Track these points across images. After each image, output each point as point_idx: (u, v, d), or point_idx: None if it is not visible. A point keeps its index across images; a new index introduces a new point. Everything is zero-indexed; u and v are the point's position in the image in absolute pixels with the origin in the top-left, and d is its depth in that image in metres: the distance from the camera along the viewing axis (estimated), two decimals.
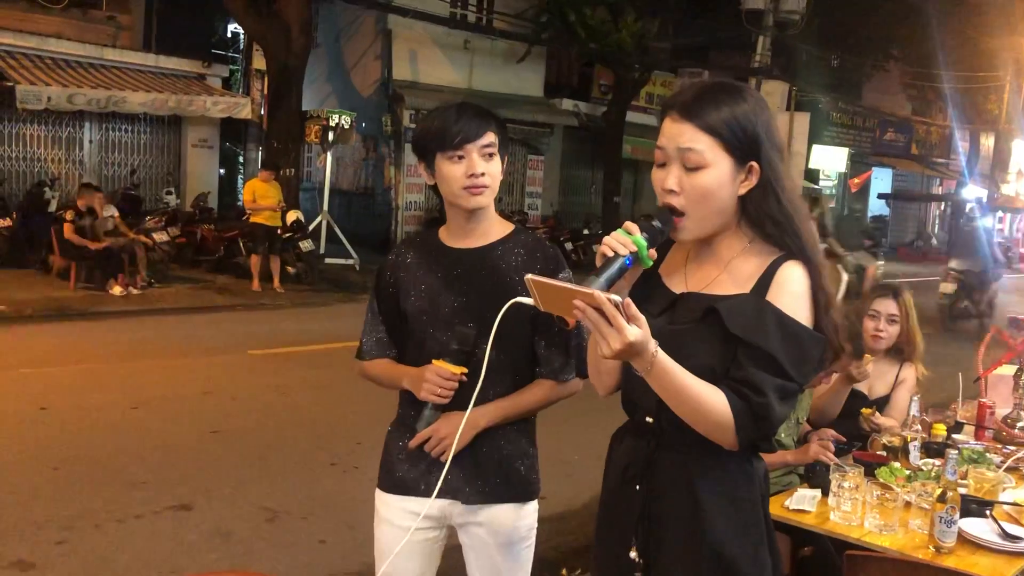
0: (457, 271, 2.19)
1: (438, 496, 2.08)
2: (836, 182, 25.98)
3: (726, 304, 1.63)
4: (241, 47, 18.19)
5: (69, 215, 10.95)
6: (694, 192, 1.62)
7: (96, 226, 11.08)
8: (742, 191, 1.65)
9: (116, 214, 11.89)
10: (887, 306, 3.62)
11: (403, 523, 2.22)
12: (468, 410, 1.95)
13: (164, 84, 14.38)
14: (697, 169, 1.62)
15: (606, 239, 1.54)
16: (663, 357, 1.52)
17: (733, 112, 1.62)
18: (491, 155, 2.14)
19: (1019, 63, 24.43)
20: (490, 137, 2.13)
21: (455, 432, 2.07)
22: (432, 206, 17.50)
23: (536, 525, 2.30)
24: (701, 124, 1.61)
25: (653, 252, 1.57)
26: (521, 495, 2.23)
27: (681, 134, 1.63)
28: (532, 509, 2.27)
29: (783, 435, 3.26)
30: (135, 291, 10.93)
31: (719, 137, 1.61)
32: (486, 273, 2.16)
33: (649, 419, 1.72)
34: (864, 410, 3.47)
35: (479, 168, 2.11)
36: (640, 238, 1.54)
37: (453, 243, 2.22)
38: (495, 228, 2.23)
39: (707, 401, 1.56)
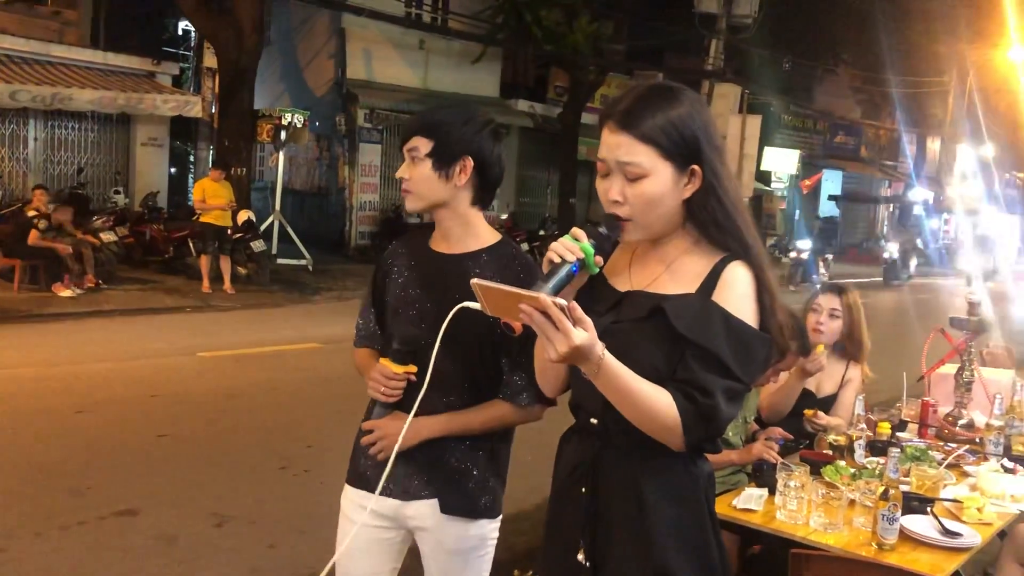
0: (432, 275, 2.18)
1: (389, 496, 2.10)
2: (787, 184, 26.41)
3: (673, 304, 1.64)
4: (192, 44, 17.93)
5: (43, 224, 10.66)
6: (638, 201, 1.63)
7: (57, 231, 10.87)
8: (686, 194, 1.65)
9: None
10: (830, 301, 3.68)
11: (356, 516, 2.22)
12: (410, 415, 1.94)
13: (112, 82, 14.11)
14: (638, 179, 1.62)
15: (553, 245, 1.54)
16: (610, 359, 1.52)
17: (669, 118, 1.62)
18: (415, 159, 2.13)
19: (963, 69, 25.03)
20: (415, 142, 2.12)
21: (396, 434, 2.06)
22: (387, 207, 17.42)
23: (492, 536, 2.24)
24: (638, 134, 1.61)
25: (600, 259, 1.57)
26: (466, 512, 2.17)
27: (619, 146, 1.63)
28: (482, 524, 2.20)
29: (731, 434, 3.29)
30: (81, 292, 10.70)
31: (657, 146, 1.61)
32: (456, 281, 2.12)
33: (594, 420, 1.72)
34: (807, 411, 3.51)
35: (401, 171, 2.15)
36: (587, 245, 1.54)
37: (436, 247, 2.22)
38: (480, 237, 2.20)
39: (654, 403, 1.56)
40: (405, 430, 1.97)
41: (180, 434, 5.88)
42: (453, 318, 1.70)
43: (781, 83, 23.41)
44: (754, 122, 18.00)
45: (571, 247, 1.53)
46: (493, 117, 2.26)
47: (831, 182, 29.58)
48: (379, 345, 2.28)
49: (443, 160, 2.12)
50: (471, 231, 2.19)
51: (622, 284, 1.75)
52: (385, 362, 2.11)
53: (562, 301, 1.44)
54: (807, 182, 26.33)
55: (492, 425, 2.18)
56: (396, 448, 2.00)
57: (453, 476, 2.16)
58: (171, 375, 7.52)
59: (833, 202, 30.22)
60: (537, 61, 20.04)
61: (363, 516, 2.13)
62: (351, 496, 2.29)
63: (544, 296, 1.43)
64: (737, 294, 1.63)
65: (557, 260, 1.52)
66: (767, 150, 22.57)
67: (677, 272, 1.69)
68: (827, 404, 3.72)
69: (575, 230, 1.56)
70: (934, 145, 30.68)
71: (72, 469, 5.07)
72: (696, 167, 1.64)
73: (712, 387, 1.57)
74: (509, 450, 2.28)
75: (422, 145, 2.12)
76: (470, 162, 2.13)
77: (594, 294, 1.71)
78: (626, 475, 1.68)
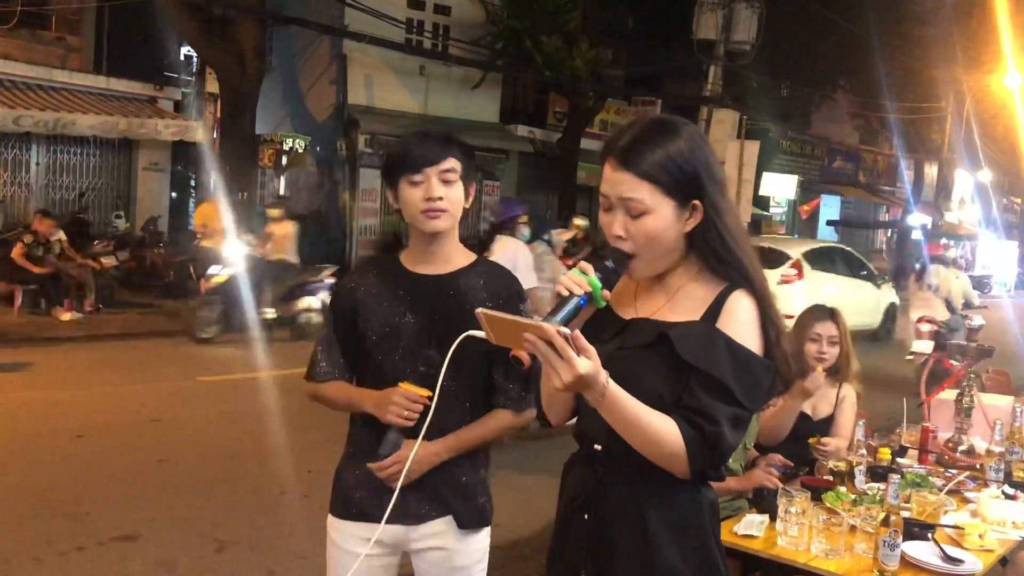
0: (418, 296, 2.20)
1: (391, 522, 2.08)
2: (786, 209, 26.51)
3: (677, 331, 1.65)
4: (194, 70, 18.04)
5: (28, 238, 10.76)
6: (640, 236, 1.65)
7: (46, 251, 10.91)
8: (688, 229, 1.67)
9: (64, 238, 11.67)
10: (827, 328, 3.70)
11: (355, 549, 2.20)
12: (419, 439, 1.97)
13: (115, 107, 14.18)
14: (641, 215, 1.64)
15: (561, 278, 1.56)
16: (614, 388, 1.53)
17: (669, 154, 1.63)
18: (450, 181, 2.16)
19: (960, 95, 25.17)
20: (451, 163, 2.16)
21: (416, 461, 2.09)
22: (387, 231, 17.46)
23: (488, 548, 2.30)
24: (639, 172, 1.63)
25: (607, 292, 1.59)
26: (474, 522, 2.23)
27: (621, 183, 1.65)
28: (485, 534, 2.27)
29: (731, 460, 3.29)
30: (82, 316, 10.71)
31: (658, 183, 1.63)
32: (447, 300, 2.17)
33: (598, 447, 1.73)
34: (811, 440, 3.52)
35: (436, 192, 2.14)
36: (595, 278, 1.56)
37: (414, 267, 2.23)
38: (458, 256, 2.24)
39: (659, 431, 1.57)
40: (421, 453, 2.03)
41: (180, 459, 5.87)
42: (467, 339, 1.72)
43: (779, 109, 23.56)
44: (752, 147, 18.05)
45: (579, 281, 1.55)
46: None
47: (829, 207, 29.66)
48: (350, 376, 2.29)
49: (467, 181, 2.21)
50: (455, 250, 2.25)
51: (627, 312, 1.77)
52: (407, 386, 2.12)
53: (566, 330, 1.46)
54: (805, 207, 26.42)
55: (497, 435, 2.24)
56: (404, 472, 2.03)
57: (464, 492, 2.21)
58: (171, 400, 7.51)
59: (832, 227, 30.28)
60: (536, 87, 20.18)
61: (367, 548, 2.12)
62: (342, 528, 2.27)
63: (548, 325, 1.45)
64: (741, 321, 1.65)
65: (565, 293, 1.54)
66: (765, 175, 22.63)
67: (682, 301, 1.71)
68: (824, 426, 3.74)
69: (583, 264, 1.58)
70: (932, 171, 30.77)
71: (71, 494, 5.06)
72: (697, 202, 1.66)
73: (717, 414, 1.58)
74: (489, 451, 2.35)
75: (458, 166, 2.18)
76: (474, 186, 2.24)
77: (598, 321, 1.72)
78: (629, 502, 1.69)
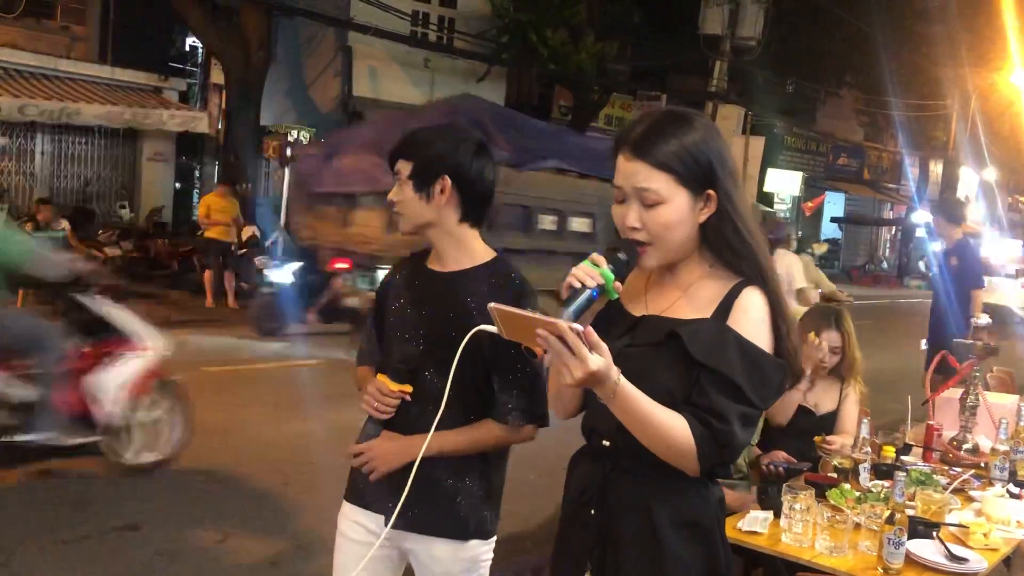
0: (423, 292, 2.20)
1: (381, 513, 2.12)
2: (790, 205, 26.47)
3: (688, 329, 1.65)
4: (199, 61, 18.04)
5: (29, 227, 10.78)
6: (655, 227, 1.64)
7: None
8: (702, 219, 1.67)
9: (68, 228, 11.68)
10: (830, 338, 3.69)
11: (351, 534, 2.24)
12: (429, 434, 1.95)
13: (120, 96, 14.19)
14: (656, 205, 1.64)
15: (573, 270, 1.55)
16: (625, 384, 1.53)
17: (683, 144, 1.63)
18: (400, 182, 2.16)
19: (966, 92, 25.11)
20: (399, 165, 2.15)
21: (386, 454, 2.10)
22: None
23: (485, 558, 2.21)
24: (653, 162, 1.63)
25: (619, 285, 1.58)
26: (456, 533, 2.14)
27: (635, 173, 1.64)
28: (473, 546, 2.17)
29: None
30: None
31: (673, 172, 1.63)
32: (448, 298, 2.15)
33: (606, 442, 1.73)
34: (816, 438, 3.52)
35: (391, 195, 2.18)
36: (607, 270, 1.55)
37: (432, 266, 2.24)
38: (473, 254, 2.19)
39: (670, 428, 1.57)
40: (400, 450, 2.02)
41: (183, 449, 5.86)
42: (451, 338, 1.71)
43: (784, 105, 23.50)
44: (757, 143, 18.08)
45: (591, 273, 1.54)
46: (471, 132, 2.24)
47: (833, 204, 29.61)
48: (376, 363, 2.30)
49: (422, 181, 2.12)
50: (464, 249, 2.19)
51: (638, 309, 1.76)
52: (383, 379, 2.12)
53: (578, 326, 1.45)
54: (809, 204, 26.34)
55: (482, 445, 2.15)
56: (414, 467, 2.00)
57: (444, 498, 2.14)
58: None
59: (836, 224, 30.24)
60: (541, 80, 20.13)
61: (361, 534, 2.15)
62: (345, 510, 2.29)
63: (560, 321, 1.44)
64: (752, 319, 1.65)
65: (578, 285, 1.53)
66: (770, 171, 22.63)
67: (693, 297, 1.71)
68: (827, 421, 3.74)
69: (595, 256, 1.57)
70: (936, 168, 30.73)
71: (75, 483, 5.07)
72: (711, 192, 1.66)
73: (727, 412, 1.58)
74: (503, 471, 2.26)
75: (404, 168, 2.14)
76: (448, 181, 2.11)
77: (608, 318, 1.72)
78: (637, 498, 1.69)
